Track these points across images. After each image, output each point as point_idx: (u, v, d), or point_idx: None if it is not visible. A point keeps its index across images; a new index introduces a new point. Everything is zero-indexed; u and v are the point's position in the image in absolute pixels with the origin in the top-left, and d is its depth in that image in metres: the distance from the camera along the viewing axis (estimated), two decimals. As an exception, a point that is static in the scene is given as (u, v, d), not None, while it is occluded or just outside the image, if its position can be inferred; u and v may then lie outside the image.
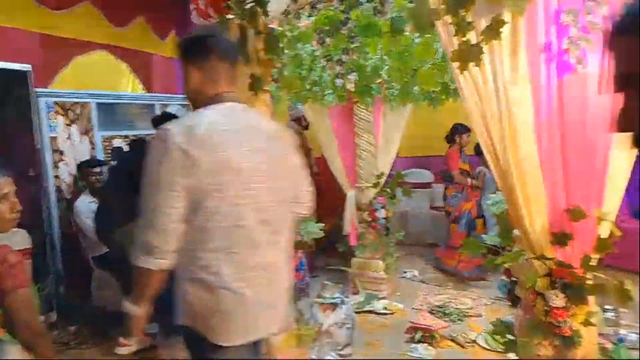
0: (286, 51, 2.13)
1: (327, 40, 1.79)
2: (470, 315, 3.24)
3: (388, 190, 3.74)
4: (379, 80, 3.17)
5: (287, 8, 1.75)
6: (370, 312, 3.41)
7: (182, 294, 1.35)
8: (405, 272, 4.26)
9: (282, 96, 2.33)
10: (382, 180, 3.73)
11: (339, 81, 1.78)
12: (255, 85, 1.86)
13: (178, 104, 4.55)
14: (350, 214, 3.79)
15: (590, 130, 1.54)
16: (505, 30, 1.46)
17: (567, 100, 1.52)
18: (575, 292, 1.60)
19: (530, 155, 1.55)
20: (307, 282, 3.32)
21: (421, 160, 5.72)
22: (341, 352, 2.70)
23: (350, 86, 1.78)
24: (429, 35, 1.79)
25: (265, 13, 1.74)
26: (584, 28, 1.47)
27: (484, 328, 2.94)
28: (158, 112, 4.49)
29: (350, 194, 3.82)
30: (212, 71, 1.40)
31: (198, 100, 1.43)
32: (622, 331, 2.94)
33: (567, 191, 1.58)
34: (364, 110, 3.62)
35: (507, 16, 1.45)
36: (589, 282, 1.61)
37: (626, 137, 0.73)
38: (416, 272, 4.24)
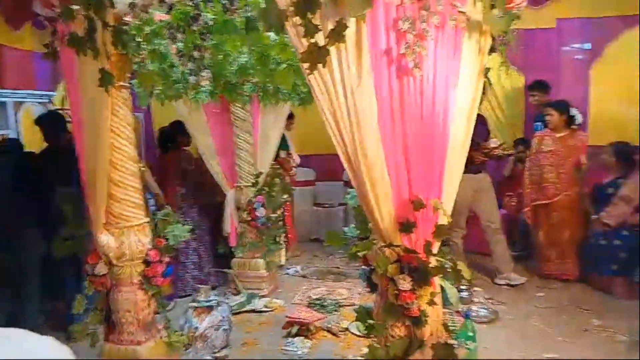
0: (144, 46, 2.04)
1: (179, 36, 1.74)
2: (345, 305, 3.40)
3: (267, 189, 3.77)
4: (255, 80, 3.19)
5: (133, 1, 1.66)
6: (252, 311, 3.42)
7: None
8: (288, 269, 4.33)
9: (140, 92, 2.22)
10: (261, 179, 3.74)
11: (192, 78, 1.75)
12: (105, 80, 1.75)
13: (36, 101, 4.13)
14: (229, 214, 3.75)
15: (428, 128, 1.70)
16: (349, 34, 1.55)
17: (407, 100, 1.65)
18: (420, 275, 1.74)
19: (376, 152, 1.66)
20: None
21: (304, 159, 5.84)
22: (217, 355, 2.67)
23: (205, 83, 1.76)
24: (286, 36, 1.83)
25: (112, 4, 1.64)
26: (420, 35, 1.61)
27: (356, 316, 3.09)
28: (11, 109, 4.04)
29: (230, 193, 3.79)
30: None
31: None
32: (474, 307, 3.31)
33: (410, 184, 1.72)
34: (241, 109, 3.60)
35: (351, 21, 1.54)
36: (432, 265, 1.77)
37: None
38: (298, 268, 4.34)
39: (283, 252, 4.46)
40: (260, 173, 3.75)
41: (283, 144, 4.59)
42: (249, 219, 3.70)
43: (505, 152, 3.91)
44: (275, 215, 3.87)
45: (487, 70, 1.89)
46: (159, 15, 1.92)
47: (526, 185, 4.16)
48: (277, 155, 4.57)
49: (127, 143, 2.13)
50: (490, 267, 4.06)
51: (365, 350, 2.45)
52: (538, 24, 4.95)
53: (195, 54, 1.73)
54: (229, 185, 3.84)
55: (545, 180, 4.05)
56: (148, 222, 2.24)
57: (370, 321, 2.02)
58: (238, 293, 3.61)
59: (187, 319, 2.69)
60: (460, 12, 1.67)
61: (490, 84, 2.00)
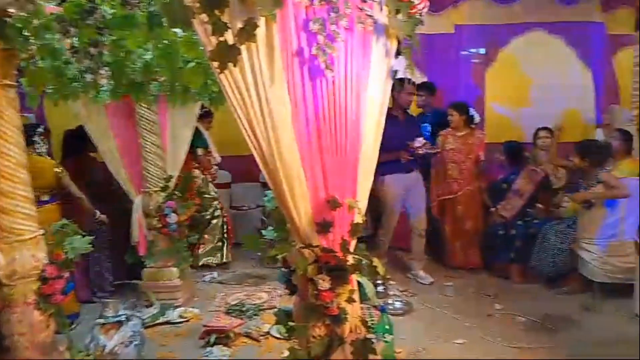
0: (33, 41, 1.84)
1: (72, 30, 1.59)
2: (265, 309, 3.36)
3: (178, 193, 3.60)
4: (162, 78, 3.02)
5: (14, -9, 1.50)
6: (166, 323, 3.25)
7: None
8: (204, 275, 4.19)
9: (30, 92, 2.00)
10: (172, 183, 3.57)
11: (89, 76, 1.61)
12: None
13: None
14: (137, 222, 3.54)
15: (341, 128, 1.72)
16: (260, 34, 1.52)
17: (320, 101, 1.65)
18: (339, 274, 1.76)
19: (292, 153, 1.65)
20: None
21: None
22: (129, 373, 2.50)
23: (104, 82, 1.63)
24: (192, 32, 1.76)
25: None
26: (330, 36, 1.62)
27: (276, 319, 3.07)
28: None
29: (137, 199, 3.57)
30: None
31: None
32: (389, 301, 3.43)
33: (325, 184, 1.73)
34: (147, 109, 3.41)
35: (261, 20, 1.51)
36: (349, 263, 1.80)
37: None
38: (215, 274, 4.21)
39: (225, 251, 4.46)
40: (171, 176, 3.57)
41: (201, 142, 4.44)
42: (160, 225, 3.51)
43: (430, 151, 4.01)
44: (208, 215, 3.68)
45: (395, 72, 1.96)
46: (50, 8, 1.75)
47: (432, 182, 4.41)
48: (195, 155, 4.43)
49: (16, 148, 1.91)
50: (403, 260, 4.25)
51: (287, 353, 2.44)
52: (438, 30, 5.26)
53: (92, 50, 1.58)
54: (135, 190, 3.62)
55: (449, 176, 4.32)
56: (43, 234, 2.03)
57: (291, 323, 2.00)
58: (150, 305, 3.41)
59: (94, 337, 2.48)
60: (367, 15, 1.71)
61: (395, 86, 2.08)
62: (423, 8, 1.92)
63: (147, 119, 3.44)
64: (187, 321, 3.25)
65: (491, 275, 4.14)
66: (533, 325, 3.18)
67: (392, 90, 2.89)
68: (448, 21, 5.42)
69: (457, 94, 5.28)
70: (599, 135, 4.78)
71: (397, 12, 1.79)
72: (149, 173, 3.52)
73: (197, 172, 4.43)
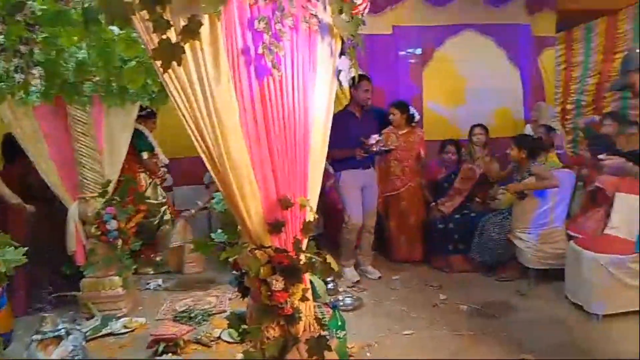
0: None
1: (-1, 27, 1.47)
2: (215, 313, 3.29)
3: (118, 198, 3.44)
4: (96, 78, 2.87)
5: None
6: (109, 334, 3.10)
7: None
8: (148, 283, 4.03)
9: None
10: (110, 188, 3.40)
11: (18, 76, 1.49)
12: None
13: None
14: (73, 230, 3.34)
15: (290, 127, 1.72)
16: (204, 32, 1.49)
17: (267, 100, 1.64)
18: (292, 273, 1.76)
19: (241, 154, 1.63)
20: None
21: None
22: (71, 390, 2.36)
23: (35, 82, 1.52)
24: (132, 30, 1.69)
25: None
26: (275, 35, 1.61)
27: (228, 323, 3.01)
28: None
29: (72, 206, 3.37)
30: None
31: None
32: (340, 297, 3.48)
33: (276, 184, 1.72)
34: (80, 111, 3.22)
35: (204, 18, 1.48)
36: (302, 262, 1.80)
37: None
38: (160, 281, 4.06)
39: None
40: (109, 181, 3.40)
41: (146, 145, 4.27)
42: (99, 233, 3.33)
43: (384, 148, 4.05)
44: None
45: (339, 72, 1.98)
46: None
47: (377, 178, 4.51)
48: (140, 159, 4.26)
49: None
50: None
51: (240, 356, 2.41)
52: (376, 31, 5.38)
53: (22, 48, 1.47)
54: (71, 197, 3.41)
55: (392, 173, 4.44)
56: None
57: (244, 326, 1.98)
58: (91, 317, 3.23)
59: (31, 354, 2.32)
60: (312, 14, 1.72)
61: (341, 86, 2.11)
62: (364, 8, 1.97)
63: (81, 121, 3.26)
64: (132, 331, 3.11)
65: (433, 267, 4.30)
66: (475, 312, 3.34)
67: (350, 87, 2.92)
68: (386, 22, 5.56)
69: (397, 93, 5.43)
70: (528, 130, 5.08)
71: (340, 11, 1.82)
72: (85, 178, 3.33)
73: (143, 176, 4.28)
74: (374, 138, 3.91)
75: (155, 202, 4.34)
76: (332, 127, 3.11)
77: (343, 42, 1.92)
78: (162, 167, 4.45)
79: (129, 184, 3.53)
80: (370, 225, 4.15)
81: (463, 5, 5.56)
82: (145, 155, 4.28)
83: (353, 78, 3.50)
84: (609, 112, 4.58)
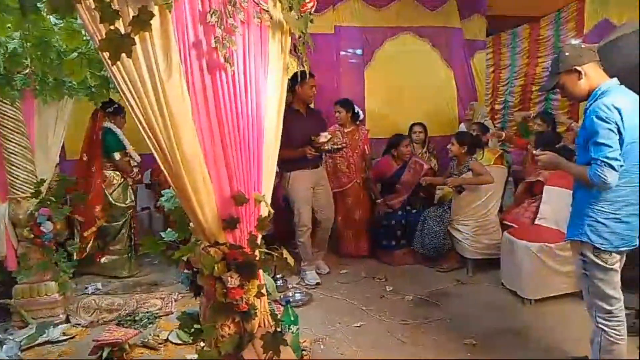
0: None
1: None
2: (161, 316, 3.19)
3: (53, 198, 3.24)
4: (25, 71, 2.68)
5: None
6: (47, 342, 2.91)
7: None
8: (86, 287, 3.83)
9: None
10: (44, 187, 3.20)
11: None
12: None
13: None
14: (4, 233, 3.11)
15: (243, 122, 1.70)
16: (155, 24, 1.45)
17: (220, 95, 1.62)
18: (247, 270, 1.75)
19: (194, 149, 1.60)
20: None
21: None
22: (6, 404, 2.20)
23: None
24: (74, 20, 1.60)
25: None
26: (228, 30, 1.60)
27: (175, 325, 2.94)
28: None
29: (2, 208, 3.13)
30: None
31: None
32: (289, 293, 3.50)
33: (230, 180, 1.70)
34: (9, 107, 3.00)
35: (155, 9, 1.44)
36: (257, 258, 1.80)
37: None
38: (99, 284, 3.87)
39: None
40: (43, 180, 3.19)
41: (117, 144, 4.06)
42: (32, 236, 3.12)
43: (335, 147, 4.02)
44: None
45: (287, 69, 2.00)
46: None
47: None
48: (112, 159, 4.04)
49: None
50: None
51: (191, 356, 2.36)
52: (320, 30, 5.45)
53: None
54: (0, 198, 3.17)
55: (339, 170, 4.51)
56: None
57: (197, 326, 1.94)
58: (25, 325, 3.02)
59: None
60: (264, 10, 1.72)
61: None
62: (312, 6, 2.00)
63: (9, 117, 3.03)
64: (72, 338, 2.95)
65: (379, 261, 4.42)
66: (420, 301, 3.48)
67: (293, 85, 2.87)
68: (328, 22, 5.64)
69: (339, 92, 5.53)
70: (462, 128, 5.36)
71: (290, 8, 1.83)
72: (15, 178, 3.10)
73: (113, 175, 4.09)
74: (325, 136, 3.80)
75: (123, 205, 4.13)
76: None
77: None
78: (134, 165, 4.23)
79: (68, 184, 3.33)
80: (325, 223, 4.07)
81: (401, 9, 5.76)
82: (117, 156, 4.08)
83: (296, 74, 3.50)
84: (539, 113, 4.92)
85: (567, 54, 2.16)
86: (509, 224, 3.91)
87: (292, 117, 3.65)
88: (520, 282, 3.39)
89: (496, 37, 6.26)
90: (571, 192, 2.28)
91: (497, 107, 6.30)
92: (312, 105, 4.16)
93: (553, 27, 5.54)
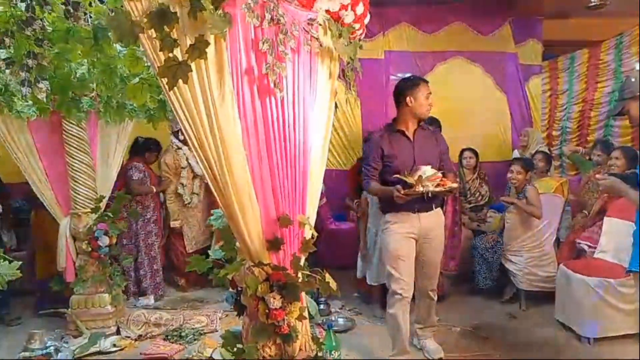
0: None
1: (7, 41, 1.48)
2: (206, 332, 3.25)
3: (110, 214, 3.41)
4: (92, 94, 2.89)
5: None
6: (98, 353, 3.04)
7: None
8: (138, 300, 3.97)
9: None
10: (103, 204, 3.38)
11: (25, 90, 1.50)
12: None
13: None
14: (65, 246, 3.30)
15: (290, 146, 1.75)
16: (210, 52, 1.52)
17: (269, 119, 1.67)
18: (290, 291, 1.76)
19: (243, 172, 1.65)
20: None
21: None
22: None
23: (42, 96, 1.52)
24: (136, 48, 1.72)
25: None
26: (278, 56, 1.65)
27: (219, 342, 2.98)
28: None
29: (64, 222, 3.34)
30: None
31: None
32: (332, 317, 3.46)
33: (276, 202, 1.74)
34: (75, 126, 3.22)
35: (210, 38, 1.51)
36: (300, 280, 1.81)
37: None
38: (151, 299, 4.01)
39: None
40: (102, 197, 3.39)
41: None
42: (89, 249, 3.30)
43: (442, 189, 2.63)
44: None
45: (336, 93, 2.03)
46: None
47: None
48: None
49: None
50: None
51: (233, 376, 2.36)
52: (369, 55, 5.50)
53: (30, 62, 1.48)
54: (62, 212, 3.39)
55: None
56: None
57: (239, 345, 1.96)
58: (79, 334, 3.17)
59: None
60: (314, 37, 1.77)
61: (336, 107, 2.15)
62: (362, 33, 2.04)
63: (75, 137, 3.25)
64: (121, 350, 3.06)
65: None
66: (468, 333, 3.34)
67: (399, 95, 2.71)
68: (378, 47, 5.69)
69: (388, 116, 5.52)
70: (516, 155, 5.19)
71: (340, 35, 1.88)
72: (77, 193, 3.31)
73: None
74: (423, 172, 2.61)
75: None
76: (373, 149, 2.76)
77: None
78: None
79: (123, 200, 3.51)
80: (428, 287, 2.96)
81: (452, 34, 5.73)
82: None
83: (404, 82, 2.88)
84: (598, 141, 4.69)
85: (632, 80, 2.11)
86: (581, 242, 3.69)
87: (390, 142, 2.80)
88: (577, 319, 3.19)
89: (553, 61, 6.07)
90: (632, 224, 2.16)
91: (554, 133, 6.06)
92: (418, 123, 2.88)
93: (614, 51, 5.31)
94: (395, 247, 2.76)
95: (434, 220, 2.86)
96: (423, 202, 2.72)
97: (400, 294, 2.74)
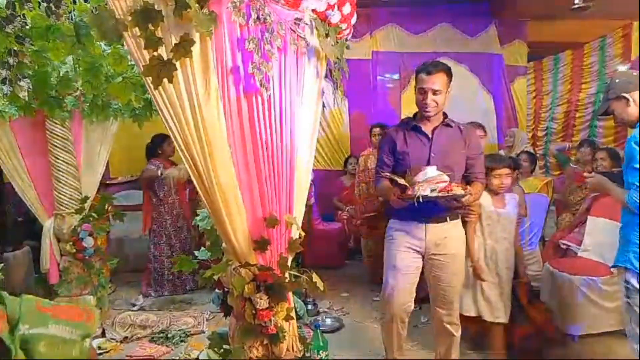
0: None
1: (-14, 39, 1.45)
2: (193, 334, 3.22)
3: (95, 215, 3.36)
4: (76, 93, 2.84)
5: None
6: (81, 356, 2.99)
7: None
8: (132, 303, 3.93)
9: None
10: (87, 204, 3.33)
11: (6, 88, 1.46)
12: None
13: None
14: (48, 247, 3.24)
15: (277, 146, 1.74)
16: (196, 50, 1.51)
17: (255, 119, 1.66)
18: (277, 292, 1.75)
19: (229, 171, 1.63)
20: None
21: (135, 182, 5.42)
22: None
23: (23, 95, 1.49)
24: (120, 46, 1.70)
25: None
26: (265, 55, 1.64)
27: (206, 343, 2.96)
28: None
29: (47, 223, 3.28)
30: None
31: None
32: (320, 317, 3.46)
33: (262, 202, 1.72)
34: (59, 127, 3.17)
35: (196, 37, 1.50)
36: (287, 280, 1.80)
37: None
38: (140, 300, 3.97)
39: None
40: (87, 197, 3.33)
41: None
42: (74, 250, 3.24)
43: (445, 194, 2.28)
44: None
45: (323, 93, 2.03)
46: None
47: (357, 200, 4.54)
48: None
49: None
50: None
51: (220, 377, 2.35)
52: (357, 55, 5.53)
53: (11, 60, 1.45)
54: (45, 213, 3.33)
55: (372, 194, 4.47)
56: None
57: (226, 346, 1.95)
58: (62, 338, 3.11)
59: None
60: (300, 37, 1.77)
61: (324, 107, 2.14)
62: (349, 33, 2.04)
63: (59, 136, 3.19)
64: (107, 352, 3.02)
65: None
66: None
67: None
68: (366, 48, 5.71)
69: (376, 116, 5.55)
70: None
71: (327, 35, 1.87)
72: (61, 194, 3.25)
73: None
74: (423, 174, 2.27)
75: None
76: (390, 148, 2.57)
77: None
78: None
79: (107, 201, 3.46)
80: (443, 317, 2.55)
81: (439, 35, 5.77)
82: None
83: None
84: (584, 140, 4.76)
85: (617, 81, 2.16)
86: (566, 243, 3.73)
87: (404, 137, 2.51)
88: (562, 316, 3.23)
89: (538, 62, 6.16)
90: (616, 223, 2.20)
91: (539, 134, 6.16)
92: (438, 117, 2.61)
93: (598, 53, 5.41)
94: (393, 257, 2.45)
95: (446, 235, 2.40)
96: (433, 211, 2.33)
97: (392, 310, 2.49)
